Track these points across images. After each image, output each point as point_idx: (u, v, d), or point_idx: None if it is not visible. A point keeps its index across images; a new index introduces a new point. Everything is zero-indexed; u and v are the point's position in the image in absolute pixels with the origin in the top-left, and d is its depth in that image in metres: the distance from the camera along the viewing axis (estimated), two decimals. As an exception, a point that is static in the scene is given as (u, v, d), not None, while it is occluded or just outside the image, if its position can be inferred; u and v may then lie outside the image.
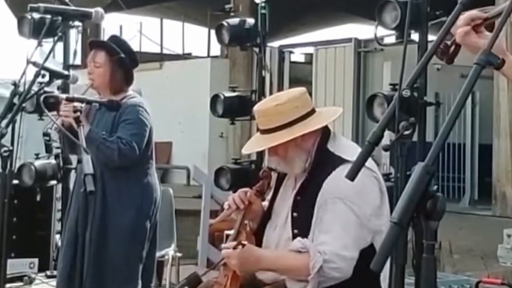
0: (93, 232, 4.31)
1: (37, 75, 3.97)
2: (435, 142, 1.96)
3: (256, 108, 3.39)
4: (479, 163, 11.37)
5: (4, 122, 3.78)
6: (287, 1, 13.65)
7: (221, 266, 3.36)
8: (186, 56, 16.68)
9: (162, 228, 5.01)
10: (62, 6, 5.14)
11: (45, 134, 6.24)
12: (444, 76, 9.52)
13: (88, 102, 4.42)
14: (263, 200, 3.53)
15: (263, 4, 6.29)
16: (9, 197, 3.77)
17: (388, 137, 2.36)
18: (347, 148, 3.30)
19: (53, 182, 6.29)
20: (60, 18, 4.90)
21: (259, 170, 3.74)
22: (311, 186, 3.24)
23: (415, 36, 4.92)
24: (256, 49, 6.40)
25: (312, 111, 3.33)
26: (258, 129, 3.38)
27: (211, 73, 13.96)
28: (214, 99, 6.52)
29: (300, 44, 15.15)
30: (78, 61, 6.24)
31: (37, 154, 6.33)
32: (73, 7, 4.92)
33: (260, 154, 6.12)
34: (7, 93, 4.59)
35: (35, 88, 4.06)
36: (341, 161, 3.18)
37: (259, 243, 3.38)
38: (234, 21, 6.45)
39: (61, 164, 6.24)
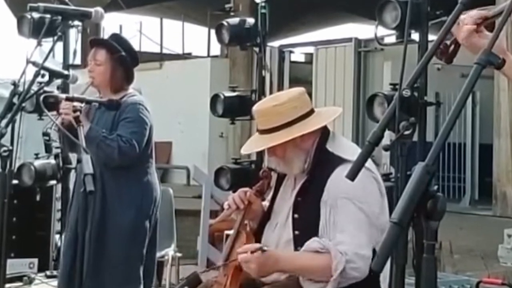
0: (92, 232, 4.29)
1: (36, 74, 3.96)
2: (435, 142, 1.96)
3: (255, 108, 3.38)
4: (480, 163, 11.36)
5: (4, 122, 3.77)
6: (287, 1, 13.64)
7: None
8: (186, 56, 16.66)
9: (162, 228, 5.00)
10: (61, 6, 5.12)
11: (45, 134, 6.22)
12: (445, 76, 9.51)
13: (88, 102, 4.41)
14: (263, 200, 3.52)
15: (263, 4, 6.27)
16: (8, 197, 3.75)
17: (388, 137, 2.36)
18: (346, 148, 3.29)
19: (53, 182, 6.27)
20: (59, 17, 4.88)
21: (259, 170, 3.73)
22: (311, 187, 3.23)
23: (415, 36, 4.92)
24: (256, 49, 6.39)
25: (311, 111, 3.32)
26: (257, 129, 3.38)
27: (211, 73, 13.96)
28: (214, 99, 6.51)
29: (300, 43, 15.15)
30: (77, 61, 6.23)
31: (36, 154, 6.31)
32: (72, 7, 4.90)
33: (260, 154, 6.11)
34: (6, 93, 4.57)
35: (34, 87, 4.05)
36: (341, 161, 3.17)
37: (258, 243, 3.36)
38: (234, 20, 6.44)
39: (61, 164, 6.22)
